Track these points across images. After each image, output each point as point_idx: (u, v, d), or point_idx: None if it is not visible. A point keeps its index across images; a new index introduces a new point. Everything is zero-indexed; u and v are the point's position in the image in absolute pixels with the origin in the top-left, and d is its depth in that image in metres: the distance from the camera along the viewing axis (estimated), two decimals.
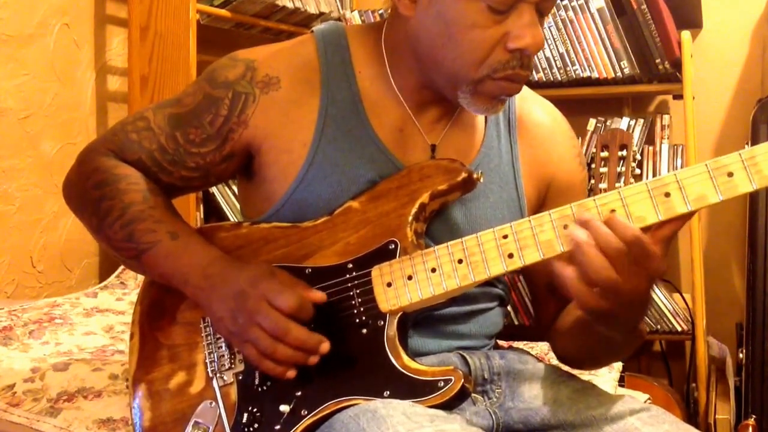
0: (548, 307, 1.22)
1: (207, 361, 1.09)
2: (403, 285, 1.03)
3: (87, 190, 1.13)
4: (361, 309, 1.04)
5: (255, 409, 1.04)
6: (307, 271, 1.07)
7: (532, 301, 1.26)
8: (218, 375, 1.08)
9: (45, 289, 2.17)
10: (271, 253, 1.10)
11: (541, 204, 1.21)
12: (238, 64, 1.14)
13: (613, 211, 0.95)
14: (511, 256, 0.99)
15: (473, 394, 1.09)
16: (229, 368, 1.08)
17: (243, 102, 1.12)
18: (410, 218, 1.06)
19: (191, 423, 1.07)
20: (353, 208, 1.08)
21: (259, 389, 1.05)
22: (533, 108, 1.23)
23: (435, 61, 1.07)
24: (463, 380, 0.97)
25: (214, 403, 1.07)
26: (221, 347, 1.09)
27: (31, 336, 1.56)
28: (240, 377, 1.07)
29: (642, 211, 0.93)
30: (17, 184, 2.10)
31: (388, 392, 0.99)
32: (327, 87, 1.12)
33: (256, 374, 1.06)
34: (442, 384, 0.98)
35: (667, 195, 0.93)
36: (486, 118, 1.19)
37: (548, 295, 1.22)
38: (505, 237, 0.99)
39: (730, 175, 0.91)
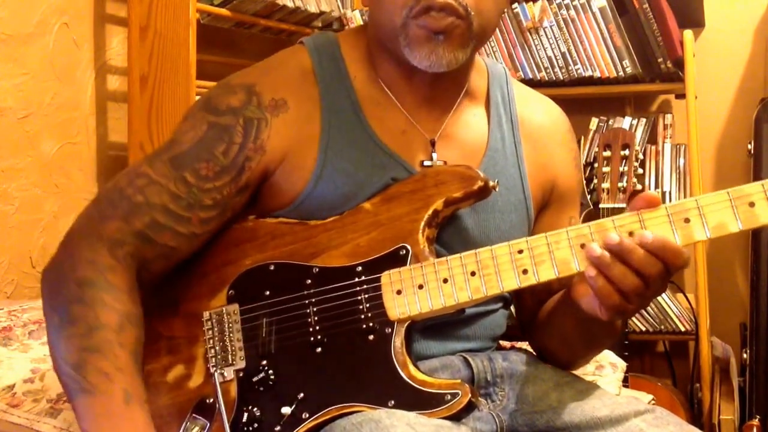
0: (529, 306, 1.23)
1: (208, 355, 1.07)
2: (413, 294, 1.01)
3: (66, 282, 1.01)
4: (369, 315, 1.02)
5: (255, 409, 1.03)
6: (314, 270, 1.06)
7: (515, 303, 1.25)
8: (219, 371, 1.06)
9: None
10: (278, 249, 1.08)
11: (545, 206, 1.20)
12: (236, 90, 1.10)
13: (630, 234, 0.95)
14: (525, 271, 0.98)
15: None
16: (230, 364, 1.06)
17: (257, 128, 1.08)
18: (423, 224, 1.04)
19: (189, 418, 1.05)
20: (365, 208, 1.07)
21: (261, 388, 1.04)
22: (535, 109, 1.22)
23: (379, 26, 1.09)
24: (470, 395, 0.96)
25: (213, 400, 1.05)
26: (224, 341, 1.07)
27: (30, 336, 1.55)
28: (241, 374, 1.05)
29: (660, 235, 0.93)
30: (16, 183, 2.09)
31: (393, 402, 0.98)
32: (326, 98, 1.11)
33: (258, 372, 1.04)
34: (449, 398, 0.96)
35: (687, 221, 0.93)
36: (488, 119, 1.17)
37: (531, 299, 1.22)
38: (521, 252, 0.98)
39: (752, 205, 0.91)
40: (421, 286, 1.01)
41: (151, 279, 1.07)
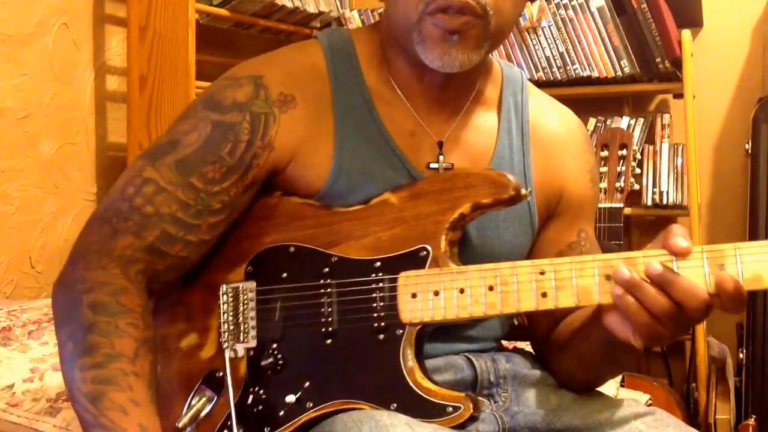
0: (543, 326, 1.19)
1: (221, 330, 1.05)
2: (428, 299, 0.99)
3: (80, 306, 0.97)
4: (382, 314, 1.01)
5: (261, 391, 1.02)
6: (333, 259, 1.04)
7: (528, 322, 1.23)
8: (230, 347, 1.04)
9: (44, 290, 2.17)
10: (299, 231, 1.06)
11: (550, 217, 1.18)
12: (242, 83, 1.07)
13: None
14: (544, 295, 0.94)
15: (479, 398, 1.08)
16: (242, 342, 1.04)
17: (264, 123, 1.05)
18: (447, 227, 1.02)
19: (198, 389, 1.04)
20: (390, 202, 1.05)
21: (269, 371, 1.03)
22: (549, 116, 1.19)
23: (394, 22, 1.07)
24: (472, 410, 0.95)
25: (222, 373, 1.03)
26: (237, 318, 1.05)
27: (30, 336, 1.55)
28: (251, 353, 1.04)
29: (692, 279, 0.88)
30: (16, 184, 2.10)
31: (396, 405, 0.97)
32: (338, 95, 1.09)
33: (268, 355, 1.03)
34: (451, 410, 0.95)
35: (722, 267, 0.88)
36: (498, 124, 1.15)
37: (546, 320, 1.19)
38: (543, 273, 0.95)
39: None
40: (436, 293, 0.99)
41: (161, 289, 1.06)
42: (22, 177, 2.12)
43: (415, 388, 0.98)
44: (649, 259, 0.90)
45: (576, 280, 0.94)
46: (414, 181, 1.06)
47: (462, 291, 0.98)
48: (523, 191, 1.02)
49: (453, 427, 0.96)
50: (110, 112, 2.39)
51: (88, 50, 2.32)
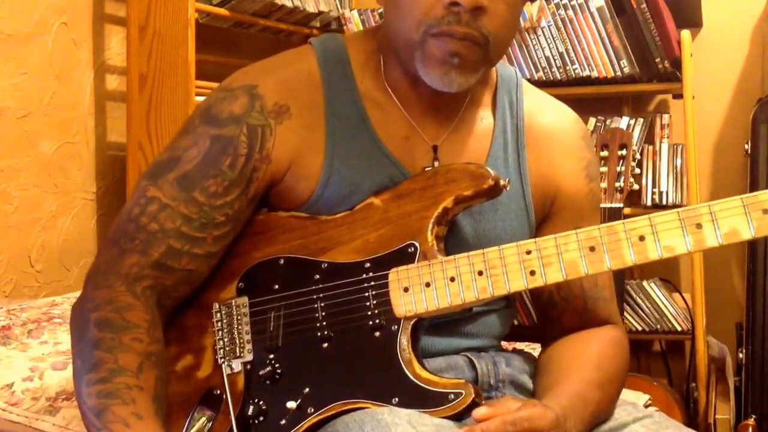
0: (545, 316, 1.19)
1: (216, 347, 1.07)
2: (420, 292, 1.01)
3: (88, 325, 1.00)
4: (376, 311, 1.02)
5: (261, 402, 1.03)
6: (323, 265, 1.06)
7: (535, 308, 1.24)
8: (227, 363, 1.06)
9: (43, 289, 2.17)
10: (288, 243, 1.08)
11: (546, 216, 1.18)
12: (237, 94, 1.08)
13: (642, 239, 0.94)
14: (533, 273, 0.98)
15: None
16: (238, 356, 1.05)
17: (261, 136, 1.06)
18: (432, 222, 1.04)
19: (196, 409, 1.05)
20: (374, 205, 1.07)
21: (267, 382, 1.04)
22: (544, 114, 1.19)
23: (395, 34, 1.08)
24: (473, 396, 0.96)
25: (220, 391, 1.05)
26: (232, 334, 1.07)
27: (29, 335, 1.55)
28: (248, 367, 1.05)
29: (671, 241, 0.93)
30: (15, 183, 2.10)
31: (397, 399, 0.98)
32: (331, 104, 1.10)
33: (265, 366, 1.04)
34: (453, 397, 0.97)
35: (699, 226, 0.92)
36: (494, 126, 1.15)
37: (537, 313, 1.20)
38: (528, 253, 0.98)
39: (766, 212, 0.90)
40: (428, 284, 1.01)
41: (174, 305, 1.07)
42: (21, 176, 2.12)
43: (414, 380, 0.99)
44: (630, 225, 0.94)
45: (562, 255, 0.97)
46: (396, 183, 1.07)
47: (452, 279, 1.01)
48: (502, 181, 1.05)
49: (455, 422, 0.97)
50: (110, 111, 2.39)
51: (88, 49, 2.32)
